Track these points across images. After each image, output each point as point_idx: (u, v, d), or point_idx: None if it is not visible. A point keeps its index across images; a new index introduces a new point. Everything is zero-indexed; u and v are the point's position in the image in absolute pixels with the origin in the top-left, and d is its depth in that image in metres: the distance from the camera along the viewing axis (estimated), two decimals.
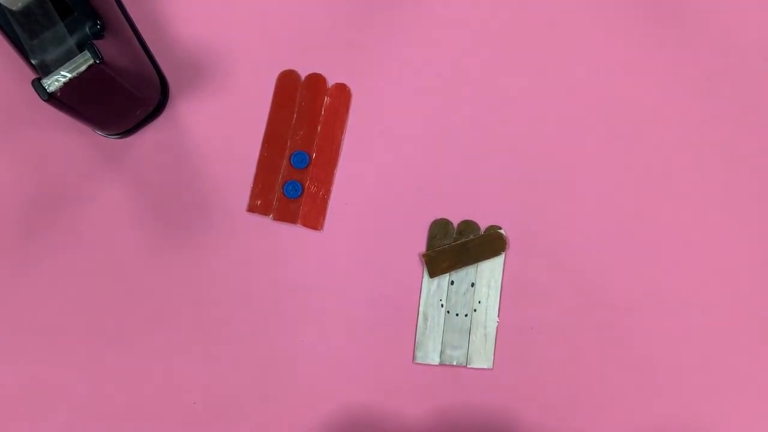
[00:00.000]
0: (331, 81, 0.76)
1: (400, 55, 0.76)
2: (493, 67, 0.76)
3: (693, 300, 0.73)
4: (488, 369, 0.73)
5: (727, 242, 0.74)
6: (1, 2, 0.63)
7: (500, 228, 0.74)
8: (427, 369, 0.73)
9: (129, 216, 0.74)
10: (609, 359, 0.73)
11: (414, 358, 0.73)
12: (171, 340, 0.73)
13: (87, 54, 0.62)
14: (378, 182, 0.74)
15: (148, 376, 0.73)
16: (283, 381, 0.73)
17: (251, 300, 0.73)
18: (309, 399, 0.72)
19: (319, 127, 0.75)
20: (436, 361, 0.72)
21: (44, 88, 0.62)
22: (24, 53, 0.67)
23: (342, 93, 0.75)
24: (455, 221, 0.74)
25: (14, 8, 0.63)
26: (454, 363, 0.72)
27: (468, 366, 0.72)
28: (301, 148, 0.75)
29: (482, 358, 0.72)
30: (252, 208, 0.74)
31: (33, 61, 0.63)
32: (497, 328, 0.73)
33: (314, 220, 0.74)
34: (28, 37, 0.63)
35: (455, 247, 0.73)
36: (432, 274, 0.73)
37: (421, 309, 0.73)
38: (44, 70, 0.63)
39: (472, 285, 0.73)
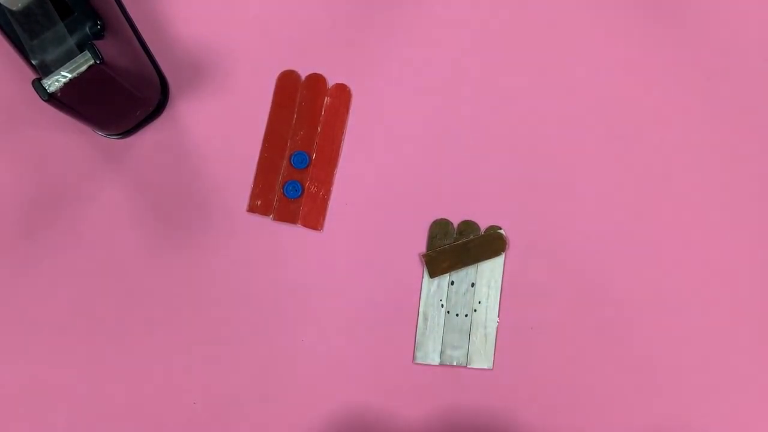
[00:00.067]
0: (331, 81, 0.76)
1: (400, 55, 0.76)
2: (493, 67, 0.76)
3: (693, 300, 0.73)
4: (488, 369, 0.73)
5: (727, 242, 0.74)
6: (1, 2, 0.63)
7: (500, 228, 0.74)
8: (427, 369, 0.73)
9: (129, 216, 0.74)
10: (609, 359, 0.73)
11: (414, 358, 0.73)
12: (171, 340, 0.73)
13: (87, 54, 0.62)
14: (378, 182, 0.74)
15: (148, 376, 0.73)
16: (283, 381, 0.73)
17: (251, 300, 0.73)
18: (309, 399, 0.72)
19: (319, 128, 0.75)
20: (436, 361, 0.72)
21: (44, 88, 0.62)
22: (24, 53, 0.67)
23: (342, 93, 0.75)
24: (455, 221, 0.74)
25: (14, 8, 0.63)
26: (454, 363, 0.72)
27: (468, 366, 0.72)
28: (301, 148, 0.75)
29: (482, 359, 0.73)
30: (252, 209, 0.74)
31: (33, 61, 0.63)
32: (497, 328, 0.73)
33: (314, 221, 0.74)
34: (28, 37, 0.63)
35: (455, 247, 0.73)
36: (432, 275, 0.73)
37: (421, 309, 0.73)
38: (44, 70, 0.63)
39: (472, 285, 0.73)
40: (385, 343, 0.73)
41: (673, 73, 0.75)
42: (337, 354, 0.73)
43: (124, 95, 0.68)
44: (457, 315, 0.73)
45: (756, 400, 0.72)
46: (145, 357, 0.73)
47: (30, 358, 0.73)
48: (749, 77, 0.75)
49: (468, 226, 0.74)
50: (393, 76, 0.76)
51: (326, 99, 0.75)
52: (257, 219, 0.74)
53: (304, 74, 0.76)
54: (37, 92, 0.62)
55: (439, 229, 0.74)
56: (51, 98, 0.62)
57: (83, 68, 0.62)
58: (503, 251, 0.73)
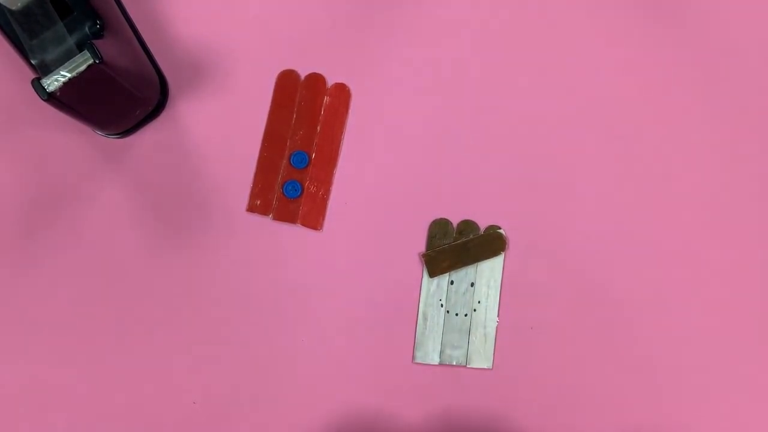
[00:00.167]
0: (330, 81, 0.76)
1: (400, 55, 0.76)
2: (492, 67, 0.76)
3: (693, 300, 0.73)
4: (488, 369, 0.73)
5: (727, 242, 0.74)
6: (1, 2, 0.63)
7: (500, 228, 0.74)
8: (426, 369, 0.73)
9: (129, 216, 0.74)
10: (609, 359, 0.73)
11: (414, 358, 0.73)
12: (171, 340, 0.73)
13: (87, 54, 0.62)
14: (378, 182, 0.74)
15: (148, 376, 0.73)
16: (283, 381, 0.73)
17: (251, 300, 0.73)
18: (309, 399, 0.72)
19: (318, 127, 0.75)
20: (435, 361, 0.72)
21: (44, 88, 0.62)
22: (24, 53, 0.67)
23: (342, 93, 0.75)
24: (455, 221, 0.74)
25: (14, 8, 0.64)
26: (454, 363, 0.72)
27: (468, 366, 0.72)
28: (300, 148, 0.75)
29: (482, 358, 0.72)
30: (252, 208, 0.74)
31: (33, 61, 0.63)
32: (497, 328, 0.73)
33: (314, 220, 0.74)
34: (28, 37, 0.64)
35: (455, 247, 0.73)
36: (432, 274, 0.73)
37: (420, 309, 0.73)
38: (44, 70, 0.63)
39: (472, 285, 0.73)
40: (384, 342, 0.73)
41: (673, 73, 0.75)
42: (337, 354, 0.73)
43: (123, 95, 0.68)
44: (456, 315, 0.73)
45: (756, 400, 0.72)
46: (145, 357, 0.73)
47: (30, 358, 0.73)
48: (749, 77, 0.75)
49: (468, 225, 0.74)
50: (393, 76, 0.76)
51: (326, 99, 0.75)
52: (257, 219, 0.74)
53: (303, 74, 0.76)
54: (36, 92, 0.62)
55: (439, 228, 0.73)
56: (50, 98, 0.62)
57: (83, 68, 0.62)
58: (503, 251, 0.73)
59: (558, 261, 0.73)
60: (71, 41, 0.63)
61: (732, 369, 0.72)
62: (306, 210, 0.74)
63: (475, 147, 0.75)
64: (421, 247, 0.74)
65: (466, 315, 0.73)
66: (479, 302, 0.73)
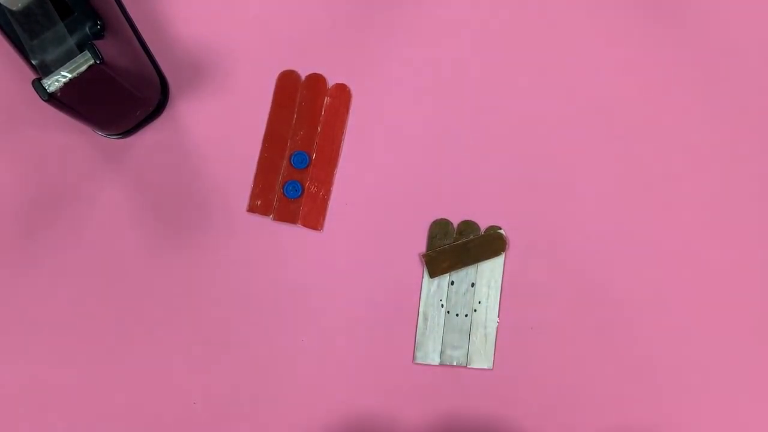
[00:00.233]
0: (331, 81, 0.76)
1: (400, 55, 0.76)
2: (492, 67, 0.76)
3: (693, 300, 0.73)
4: (488, 369, 0.73)
5: (728, 242, 0.74)
6: (1, 2, 0.63)
7: (500, 228, 0.74)
8: (427, 369, 0.73)
9: (129, 216, 0.74)
10: (609, 359, 0.73)
11: (414, 358, 0.73)
12: (171, 340, 0.73)
13: (87, 54, 0.62)
14: (378, 182, 0.74)
15: (148, 376, 0.73)
16: (283, 381, 0.73)
17: (251, 300, 0.73)
18: (309, 399, 0.72)
19: (319, 128, 0.75)
20: (436, 361, 0.72)
21: (44, 88, 0.62)
22: (24, 53, 0.67)
23: (342, 93, 0.75)
24: (455, 221, 0.74)
25: (14, 8, 0.63)
26: (454, 363, 0.72)
27: (468, 366, 0.72)
28: (301, 148, 0.75)
29: (482, 359, 0.73)
30: (252, 208, 0.74)
31: (33, 61, 0.63)
32: (497, 328, 0.73)
33: (314, 221, 0.74)
34: (28, 37, 0.63)
35: (455, 247, 0.73)
36: (432, 275, 0.73)
37: (421, 309, 0.73)
38: (44, 70, 0.63)
39: (472, 285, 0.73)
40: (385, 343, 0.73)
41: (673, 73, 0.75)
42: (337, 354, 0.73)
43: (124, 95, 0.68)
44: (457, 315, 0.73)
45: (756, 400, 0.72)
46: (145, 357, 0.73)
47: (30, 358, 0.73)
48: (749, 77, 0.75)
49: (468, 226, 0.74)
50: (393, 76, 0.76)
51: (326, 99, 0.75)
52: (257, 219, 0.74)
53: (304, 74, 0.76)
54: (37, 92, 0.62)
55: (439, 229, 0.74)
56: (51, 98, 0.62)
57: (83, 68, 0.62)
58: (503, 251, 0.73)
59: (558, 261, 0.73)
60: (72, 42, 0.63)
61: (732, 369, 0.73)
62: (306, 210, 0.74)
63: (475, 147, 0.75)
64: (422, 247, 0.74)
65: (466, 315, 0.73)
66: (479, 302, 0.73)
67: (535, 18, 0.76)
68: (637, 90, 0.75)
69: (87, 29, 0.66)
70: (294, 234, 0.74)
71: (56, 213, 0.74)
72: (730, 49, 0.76)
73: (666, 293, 0.73)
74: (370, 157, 0.75)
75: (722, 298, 0.73)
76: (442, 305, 0.73)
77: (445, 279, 0.73)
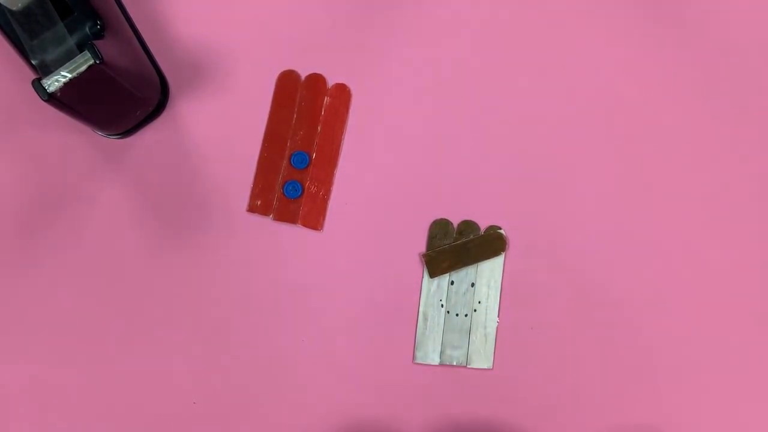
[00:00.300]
0: (331, 81, 0.76)
1: (400, 55, 0.76)
2: (492, 67, 0.76)
3: (693, 300, 0.73)
4: (488, 369, 0.73)
5: (728, 242, 0.74)
6: (1, 2, 0.63)
7: (500, 228, 0.74)
8: (427, 369, 0.73)
9: (129, 216, 0.74)
10: (609, 359, 0.73)
11: (414, 358, 0.73)
12: (171, 340, 0.73)
13: (87, 54, 0.62)
14: (378, 182, 0.74)
15: (148, 376, 0.73)
16: (283, 381, 0.73)
17: (251, 300, 0.73)
18: (309, 399, 0.72)
19: (319, 127, 0.75)
20: (436, 361, 0.72)
21: (44, 88, 0.62)
22: (24, 53, 0.67)
23: (342, 93, 0.75)
24: (455, 221, 0.74)
25: (14, 8, 0.63)
26: (454, 363, 0.72)
27: (468, 366, 0.72)
28: (301, 148, 0.75)
29: (482, 358, 0.73)
30: (252, 208, 0.74)
31: (33, 61, 0.63)
32: (497, 328, 0.73)
33: (314, 220, 0.74)
34: (28, 37, 0.63)
35: (455, 247, 0.73)
36: (432, 274, 0.73)
37: (421, 309, 0.73)
38: (44, 70, 0.63)
39: (472, 285, 0.73)
40: (385, 343, 0.73)
41: (673, 73, 0.75)
42: (337, 354, 0.73)
43: (124, 95, 0.68)
44: (457, 315, 0.73)
45: (756, 400, 0.72)
46: (145, 357, 0.73)
47: (30, 358, 0.73)
48: (749, 77, 0.75)
49: (468, 226, 0.74)
50: (393, 76, 0.76)
51: (326, 99, 0.75)
52: (257, 219, 0.74)
53: (304, 74, 0.76)
54: (37, 92, 0.62)
55: (439, 229, 0.74)
56: (51, 98, 0.62)
57: (83, 68, 0.62)
58: (503, 251, 0.73)
59: (558, 261, 0.73)
60: (72, 41, 0.63)
61: (732, 369, 0.73)
62: (306, 210, 0.74)
63: (475, 147, 0.75)
64: (422, 247, 0.74)
65: (466, 315, 0.73)
66: (479, 302, 0.73)
67: (535, 18, 0.76)
68: (637, 90, 0.75)
69: (87, 29, 0.66)
70: (294, 234, 0.74)
71: (56, 213, 0.74)
72: (730, 49, 0.76)
73: (666, 293, 0.73)
74: (370, 157, 0.75)
75: (722, 298, 0.73)
76: (442, 305, 0.73)
77: (445, 279, 0.73)
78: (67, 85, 0.62)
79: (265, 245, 0.74)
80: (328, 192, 0.74)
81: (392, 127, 0.75)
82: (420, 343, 0.73)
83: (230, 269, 0.74)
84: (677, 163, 0.74)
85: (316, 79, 0.75)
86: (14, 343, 0.73)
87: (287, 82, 0.75)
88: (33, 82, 0.62)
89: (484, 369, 0.73)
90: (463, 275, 0.73)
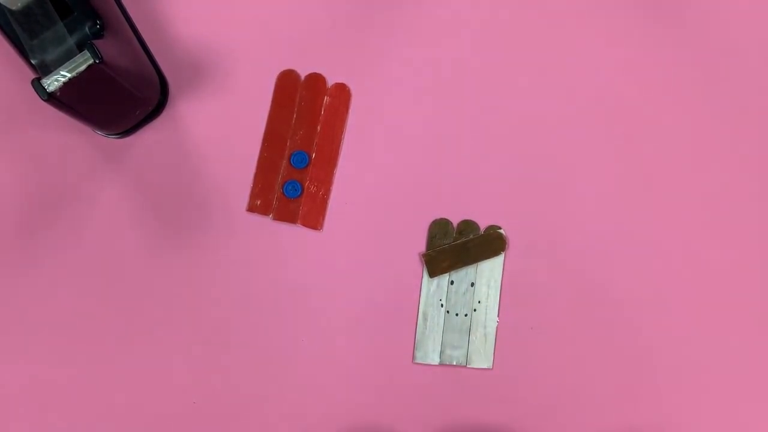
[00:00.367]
0: (331, 81, 0.76)
1: (400, 55, 0.76)
2: (492, 67, 0.76)
3: (693, 300, 0.73)
4: (488, 369, 0.73)
5: (728, 242, 0.74)
6: (1, 2, 0.63)
7: (500, 228, 0.74)
8: (427, 369, 0.73)
9: (129, 216, 0.74)
10: (609, 359, 0.73)
11: (414, 358, 0.73)
12: (171, 340, 0.73)
13: (87, 54, 0.62)
14: (378, 182, 0.74)
15: (148, 376, 0.73)
16: (283, 381, 0.73)
17: (251, 300, 0.73)
18: (309, 399, 0.72)
19: (318, 127, 0.75)
20: (435, 361, 0.72)
21: (44, 88, 0.62)
22: (24, 53, 0.67)
23: (342, 93, 0.75)
24: (455, 221, 0.74)
25: (14, 8, 0.64)
26: (454, 363, 0.72)
27: (468, 366, 0.72)
28: (300, 147, 0.75)
29: (482, 358, 0.72)
30: (252, 208, 0.74)
31: (33, 61, 0.63)
32: (497, 328, 0.73)
33: (314, 220, 0.74)
34: (28, 37, 0.64)
35: (455, 246, 0.73)
36: (432, 274, 0.73)
37: (420, 309, 0.73)
38: (44, 70, 0.63)
39: (472, 285, 0.73)
40: (385, 343, 0.73)
41: (673, 73, 0.75)
42: (337, 354, 0.73)
43: (123, 95, 0.68)
44: (456, 315, 0.73)
45: (756, 400, 0.72)
46: (145, 357, 0.73)
47: (30, 358, 0.73)
48: (749, 77, 0.75)
49: (468, 225, 0.74)
50: (393, 76, 0.76)
51: (326, 99, 0.75)
52: (257, 219, 0.74)
53: (303, 74, 0.76)
54: (36, 92, 0.62)
55: (439, 228, 0.74)
56: (51, 98, 0.62)
57: (83, 68, 0.62)
58: (503, 251, 0.73)
59: (558, 261, 0.73)
60: (71, 41, 0.63)
61: (732, 369, 0.72)
62: (306, 210, 0.74)
63: (475, 147, 0.75)
64: (421, 247, 0.74)
65: (466, 315, 0.73)
66: (479, 302, 0.73)
67: (535, 18, 0.76)
68: (637, 90, 0.75)
69: (87, 29, 0.66)
70: (294, 234, 0.74)
71: (56, 213, 0.74)
72: (730, 49, 0.76)
73: (666, 293, 0.73)
74: (370, 157, 0.75)
75: (722, 298, 0.73)
76: (442, 305, 0.73)
77: (444, 279, 0.73)
78: (67, 84, 0.62)
79: (265, 245, 0.74)
80: (327, 192, 0.74)
81: (392, 127, 0.75)
82: (420, 342, 0.73)
83: (230, 269, 0.74)
84: (677, 163, 0.74)
85: (316, 79, 0.75)
86: (14, 343, 0.73)
87: (287, 81, 0.75)
88: (33, 82, 0.62)
89: (484, 369, 0.73)
90: (463, 275, 0.73)
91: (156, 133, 0.75)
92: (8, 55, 0.76)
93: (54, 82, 0.62)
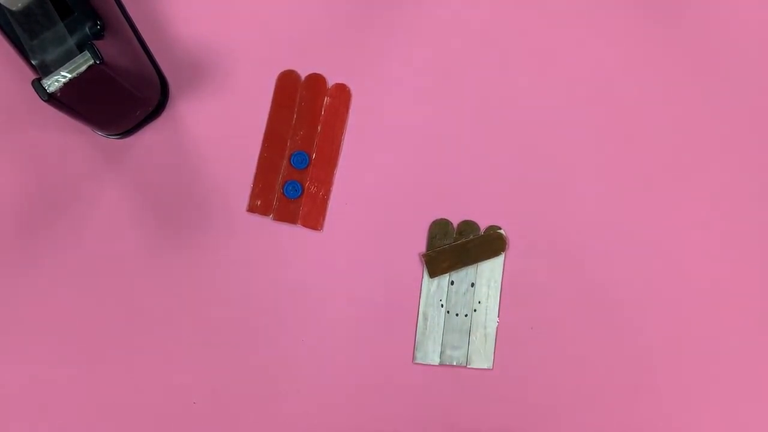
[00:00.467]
0: (331, 81, 0.76)
1: (400, 55, 0.76)
2: (492, 67, 0.76)
3: (693, 300, 0.73)
4: (488, 369, 0.73)
5: (727, 242, 0.74)
6: (1, 2, 0.63)
7: (500, 228, 0.74)
8: (427, 369, 0.73)
9: (129, 216, 0.74)
10: (609, 359, 0.73)
11: (414, 358, 0.73)
12: (171, 340, 0.73)
13: (87, 54, 0.62)
14: (378, 182, 0.74)
15: (148, 376, 0.73)
16: (283, 381, 0.73)
17: (251, 300, 0.73)
18: (309, 399, 0.72)
19: (319, 127, 0.75)
20: (436, 361, 0.72)
21: (44, 88, 0.62)
22: (24, 53, 0.67)
23: (342, 93, 0.75)
24: (455, 221, 0.74)
25: (14, 8, 0.63)
26: (454, 363, 0.72)
27: (468, 366, 0.72)
28: (301, 148, 0.75)
29: (482, 358, 0.73)
30: (252, 208, 0.74)
31: (33, 62, 0.63)
32: (497, 328, 0.73)
33: (314, 221, 0.74)
34: (28, 37, 0.63)
35: (455, 247, 0.73)
36: (432, 274, 0.73)
37: (421, 309, 0.73)
38: (44, 70, 0.63)
39: (472, 285, 0.73)
40: (384, 342, 0.73)
41: (673, 73, 0.75)
42: (337, 354, 0.73)
43: (124, 95, 0.68)
44: (457, 315, 0.73)
45: (756, 400, 0.72)
46: (144, 357, 0.73)
47: (30, 358, 0.73)
48: (749, 77, 0.75)
49: (468, 226, 0.74)
50: (393, 76, 0.76)
51: (326, 99, 0.75)
52: (257, 219, 0.74)
53: (304, 74, 0.76)
54: (37, 92, 0.62)
55: (439, 229, 0.74)
56: (51, 98, 0.62)
57: (83, 68, 0.62)
58: (503, 251, 0.73)
59: (558, 261, 0.73)
60: (72, 42, 0.63)
61: (732, 369, 0.73)
62: (306, 210, 0.74)
63: (475, 147, 0.75)
64: (422, 247, 0.74)
65: (466, 315, 0.73)
66: (479, 302, 0.73)
67: (535, 18, 0.76)
68: (637, 90, 0.75)
69: (87, 29, 0.66)
70: (294, 234, 0.74)
71: (56, 213, 0.74)
72: (730, 49, 0.76)
73: (666, 293, 0.73)
74: (370, 157, 0.75)
75: (722, 298, 0.73)
76: (442, 305, 0.73)
77: (445, 279, 0.73)
78: (67, 85, 0.62)
79: (265, 245, 0.74)
80: (328, 192, 0.74)
81: (392, 127, 0.75)
82: (420, 343, 0.73)
83: (230, 269, 0.74)
84: (677, 163, 0.74)
85: (316, 79, 0.75)
86: (14, 343, 0.73)
87: (287, 82, 0.75)
88: (33, 82, 0.62)
89: (484, 369, 0.73)
90: (463, 275, 0.73)
91: (156, 133, 0.75)
92: (8, 55, 0.76)
93: (54, 82, 0.62)
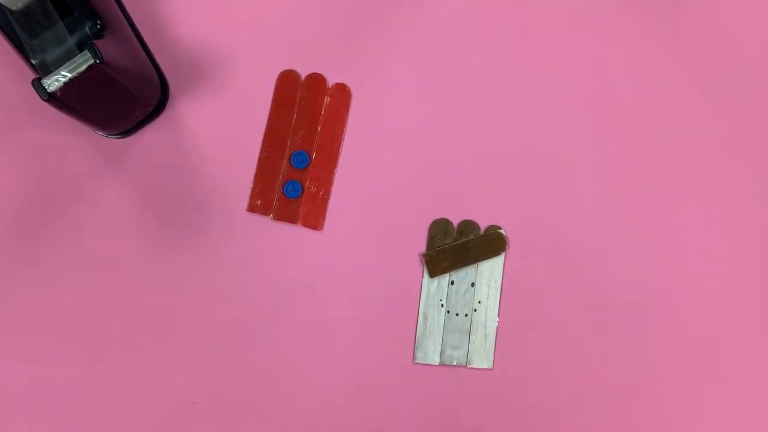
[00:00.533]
0: (331, 81, 0.76)
1: (400, 55, 0.76)
2: (492, 67, 0.76)
3: (693, 299, 0.73)
4: (488, 369, 0.73)
5: (727, 242, 0.74)
6: (1, 2, 0.63)
7: (500, 228, 0.74)
8: (427, 369, 0.73)
9: (129, 216, 0.74)
10: (609, 359, 0.73)
11: (414, 358, 0.73)
12: (171, 340, 0.73)
13: (87, 54, 0.62)
14: (378, 182, 0.74)
15: (148, 376, 0.73)
16: (283, 381, 0.73)
17: (251, 300, 0.73)
18: (309, 399, 0.72)
19: (319, 127, 0.75)
20: (436, 361, 0.72)
21: (44, 88, 0.62)
22: (24, 53, 0.67)
23: (342, 93, 0.75)
24: (455, 221, 0.74)
25: (14, 8, 0.63)
26: (454, 363, 0.72)
27: (468, 366, 0.72)
28: (301, 148, 0.75)
29: (482, 358, 0.72)
30: (252, 208, 0.74)
31: (33, 61, 0.63)
32: (497, 328, 0.73)
33: (314, 220, 0.74)
34: (28, 37, 0.63)
35: (455, 247, 0.73)
36: (432, 274, 0.73)
37: (421, 309, 0.73)
38: (44, 70, 0.63)
39: (472, 285, 0.73)
40: (384, 342, 0.73)
41: (673, 73, 0.75)
42: (338, 354, 0.73)
43: (124, 95, 0.68)
44: (457, 315, 0.73)
45: (756, 400, 0.72)
46: (144, 357, 0.73)
47: (30, 358, 0.73)
48: (749, 77, 0.75)
49: (468, 225, 0.74)
50: (393, 76, 0.76)
51: (326, 99, 0.75)
52: (257, 219, 0.74)
53: (304, 74, 0.76)
54: (37, 92, 0.62)
55: (439, 228, 0.74)
56: (51, 98, 0.62)
57: (83, 68, 0.62)
58: (503, 251, 0.73)
59: (558, 261, 0.73)
60: (72, 41, 0.63)
61: (732, 369, 0.73)
62: (306, 210, 0.74)
63: (475, 147, 0.75)
64: (422, 247, 0.74)
65: (466, 315, 0.73)
66: (479, 302, 0.73)
67: (535, 18, 0.76)
68: (637, 90, 0.75)
69: (87, 29, 0.66)
70: (294, 234, 0.74)
71: (56, 213, 0.74)
72: (730, 48, 0.76)
73: (666, 293, 0.73)
74: (370, 157, 0.75)
75: (722, 298, 0.73)
76: (442, 305, 0.73)
77: (445, 279, 0.73)
78: (67, 84, 0.62)
79: (265, 245, 0.74)
80: (328, 192, 0.74)
81: (392, 127, 0.75)
82: (420, 343, 0.73)
83: (230, 269, 0.74)
84: (677, 163, 0.74)
85: (316, 79, 0.75)
86: (14, 343, 0.73)
87: (287, 82, 0.75)
88: (33, 82, 0.62)
89: (484, 369, 0.73)
90: (463, 275, 0.73)
91: (156, 133, 0.75)
92: (8, 55, 0.76)
93: (54, 82, 0.62)
